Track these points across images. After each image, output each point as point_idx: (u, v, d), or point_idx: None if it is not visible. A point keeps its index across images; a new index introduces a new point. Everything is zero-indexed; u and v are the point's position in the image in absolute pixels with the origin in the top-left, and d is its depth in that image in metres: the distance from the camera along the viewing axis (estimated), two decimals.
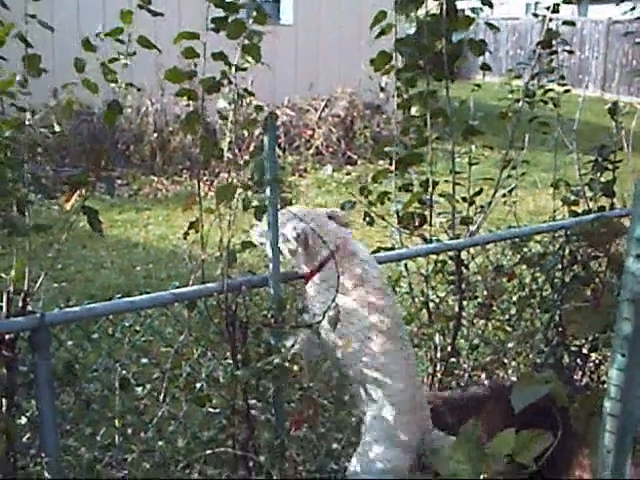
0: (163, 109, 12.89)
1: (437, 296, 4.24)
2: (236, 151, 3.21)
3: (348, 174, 12.89)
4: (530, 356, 4.60)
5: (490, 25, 4.35)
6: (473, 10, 3.92)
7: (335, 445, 4.58)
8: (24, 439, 3.40)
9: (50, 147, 11.56)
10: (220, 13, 3.10)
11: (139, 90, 3.39)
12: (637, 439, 1.86)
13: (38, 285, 3.03)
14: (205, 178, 8.36)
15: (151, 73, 9.70)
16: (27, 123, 3.00)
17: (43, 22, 3.01)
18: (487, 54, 4.04)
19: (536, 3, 24.10)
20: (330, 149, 13.98)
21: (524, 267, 4.52)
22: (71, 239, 7.85)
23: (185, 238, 3.21)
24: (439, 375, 4.26)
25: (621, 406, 1.77)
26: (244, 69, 3.17)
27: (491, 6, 3.93)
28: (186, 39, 3.09)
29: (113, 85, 3.15)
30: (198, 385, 3.62)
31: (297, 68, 15.24)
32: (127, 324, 6.22)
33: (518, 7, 32.45)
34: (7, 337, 2.88)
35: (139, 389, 4.86)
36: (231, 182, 3.11)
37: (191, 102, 3.21)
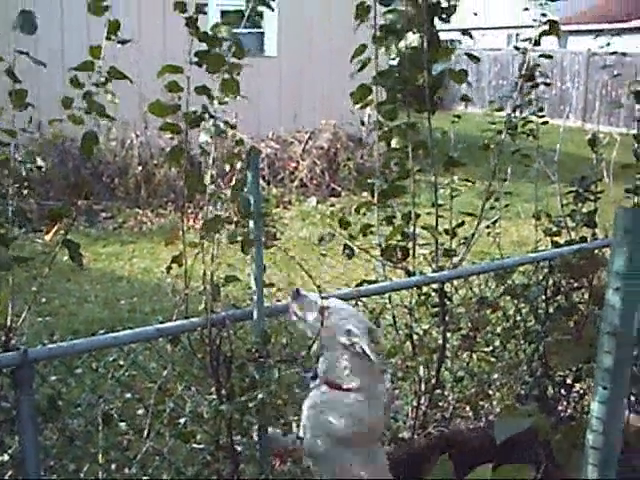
0: (148, 142, 12.90)
1: (421, 328, 4.24)
2: (220, 184, 3.23)
3: (332, 206, 12.91)
4: (514, 387, 4.60)
5: (470, 56, 4.38)
6: (452, 42, 3.95)
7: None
8: (6, 476, 3.36)
9: (34, 180, 11.53)
10: (204, 47, 3.14)
11: (102, 124, 3.40)
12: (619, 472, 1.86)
13: (22, 320, 3.02)
14: (189, 211, 8.37)
15: (135, 106, 9.72)
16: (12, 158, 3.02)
17: (34, 58, 3.04)
18: (468, 85, 4.07)
19: (517, 35, 24.30)
20: (314, 181, 14.01)
21: (508, 298, 4.53)
22: (55, 273, 7.88)
23: (168, 272, 3.21)
24: (423, 408, 4.25)
25: (603, 439, 1.78)
26: (225, 103, 3.19)
27: (471, 37, 3.96)
28: (170, 73, 3.12)
29: (96, 118, 3.16)
30: (182, 420, 3.61)
31: (281, 100, 15.29)
32: (111, 359, 6.22)
33: (501, 39, 32.79)
34: None
35: (123, 425, 4.83)
36: (218, 216, 3.12)
37: (175, 135, 3.23)
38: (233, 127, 3.24)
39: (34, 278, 3.18)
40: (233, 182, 3.19)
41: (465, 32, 3.98)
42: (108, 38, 3.13)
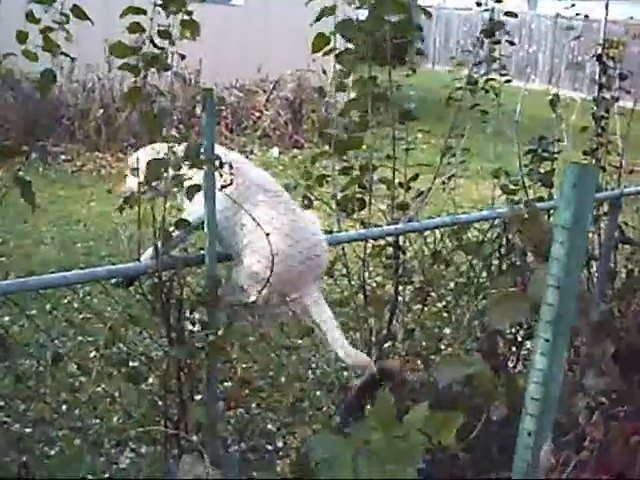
0: (110, 85, 12.74)
1: (374, 280, 4.26)
2: (177, 128, 3.20)
3: (295, 157, 12.88)
4: (466, 343, 4.65)
5: (424, 11, 4.34)
6: None
7: (270, 426, 4.62)
8: None
9: None
10: None
11: (71, 62, 3.36)
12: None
13: None
14: None
15: (99, 49, 9.58)
16: None
17: None
18: (421, 41, 4.04)
19: None
20: (277, 132, 13.95)
21: (462, 254, 4.57)
22: (12, 214, 7.82)
23: (121, 212, 3.18)
24: (374, 359, 4.28)
25: (543, 390, 1.80)
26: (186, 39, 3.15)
27: None
28: (133, 14, 3.08)
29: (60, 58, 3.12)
30: (133, 364, 3.62)
31: (246, 49, 15.13)
32: (65, 301, 6.22)
33: None
34: None
35: (74, 366, 4.84)
36: (162, 159, 3.08)
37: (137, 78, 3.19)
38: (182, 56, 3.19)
39: None
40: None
41: None
42: None
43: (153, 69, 3.13)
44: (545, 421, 1.84)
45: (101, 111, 12.49)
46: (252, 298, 3.40)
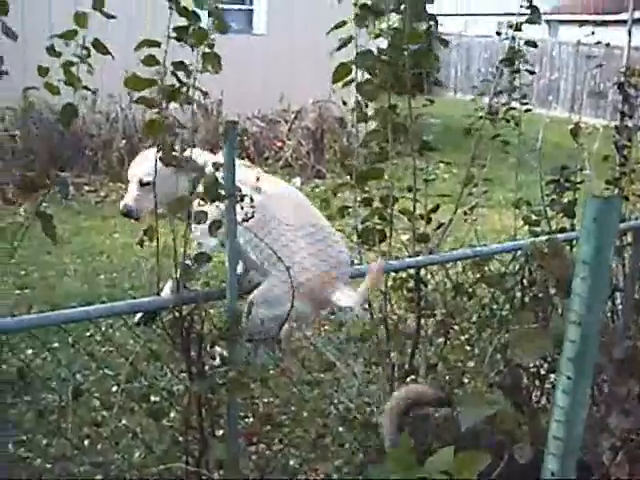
0: (133, 116, 12.83)
1: (395, 313, 4.23)
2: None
3: (316, 187, 12.89)
4: (489, 376, 4.59)
5: (441, 40, 4.35)
6: (430, 27, 3.93)
7: (291, 462, 4.58)
8: None
9: (18, 151, 11.46)
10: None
11: (93, 94, 3.40)
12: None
13: None
14: None
15: (121, 79, 9.65)
16: None
17: (7, 27, 3.00)
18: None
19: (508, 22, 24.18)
20: (299, 161, 13.97)
21: (484, 286, 4.53)
22: (36, 245, 7.85)
23: (141, 246, 3.18)
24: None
25: (565, 429, 1.78)
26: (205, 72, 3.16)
27: (436, 23, 3.93)
28: (147, 47, 3.09)
29: (82, 91, 3.14)
30: (154, 398, 3.60)
31: (268, 79, 15.20)
32: (87, 334, 6.22)
33: (492, 26, 32.78)
34: None
35: (96, 400, 4.83)
36: (185, 196, 3.09)
37: (157, 110, 3.20)
38: (205, 93, 3.20)
39: (14, 249, 3.15)
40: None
41: (431, 17, 3.93)
42: (94, 8, 3.10)
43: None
44: (568, 461, 1.81)
45: (124, 142, 12.58)
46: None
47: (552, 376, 4.63)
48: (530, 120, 4.83)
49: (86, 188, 11.93)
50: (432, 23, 3.98)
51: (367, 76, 3.90)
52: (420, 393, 3.24)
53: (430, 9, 3.87)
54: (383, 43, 3.94)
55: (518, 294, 4.54)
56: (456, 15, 30.73)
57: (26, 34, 3.24)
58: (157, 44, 3.06)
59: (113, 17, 3.10)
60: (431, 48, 3.99)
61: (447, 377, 4.48)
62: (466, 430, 1.97)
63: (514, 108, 4.66)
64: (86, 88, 3.15)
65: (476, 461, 1.76)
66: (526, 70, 4.62)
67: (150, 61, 3.04)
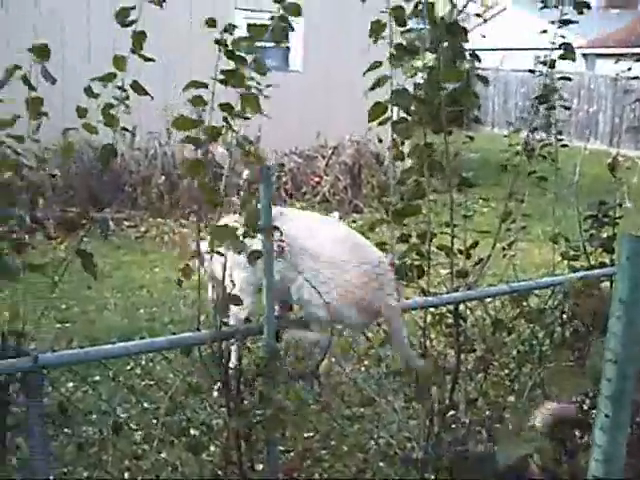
0: (172, 153, 12.99)
1: (434, 348, 4.22)
2: (234, 198, 3.26)
3: (354, 222, 12.93)
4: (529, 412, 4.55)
5: (480, 77, 4.37)
6: (471, 64, 3.96)
7: None
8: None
9: (58, 188, 11.63)
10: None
11: (132, 135, 3.50)
12: None
13: (35, 326, 3.06)
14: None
15: (161, 117, 9.81)
16: (26, 164, 3.08)
17: (46, 71, 3.10)
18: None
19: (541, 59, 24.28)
20: (337, 197, 14.04)
21: (523, 321, 4.51)
22: (76, 280, 7.94)
23: (180, 285, 3.23)
24: (436, 429, 4.23)
25: (604, 467, 1.77)
26: (247, 118, 3.23)
27: (478, 59, 3.95)
28: (194, 88, 3.17)
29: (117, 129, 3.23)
30: (194, 432, 3.63)
31: (305, 115, 15.30)
32: (128, 368, 6.28)
33: (529, 60, 32.83)
34: (0, 378, 2.90)
35: (137, 434, 4.87)
36: (226, 225, 3.14)
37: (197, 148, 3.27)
38: (250, 142, 3.27)
39: (55, 284, 3.22)
40: (242, 194, 3.22)
41: (472, 54, 3.96)
42: (133, 51, 3.19)
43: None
44: None
45: (163, 178, 12.73)
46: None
47: (594, 411, 4.58)
48: (567, 154, 4.83)
49: (126, 223, 12.08)
50: (471, 59, 4.00)
51: (402, 114, 3.94)
52: (564, 410, 3.19)
53: (467, 45, 3.90)
54: (419, 79, 3.98)
55: (558, 329, 4.52)
56: (493, 50, 30.79)
57: (65, 75, 3.32)
58: (204, 85, 3.14)
59: (152, 60, 3.18)
60: (470, 85, 4.02)
61: (487, 412, 4.46)
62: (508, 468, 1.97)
63: (550, 144, 4.66)
64: (125, 129, 3.24)
65: None
66: (562, 106, 4.62)
67: (197, 102, 3.12)
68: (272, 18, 3.29)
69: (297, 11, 3.30)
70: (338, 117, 15.05)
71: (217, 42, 3.15)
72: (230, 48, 3.17)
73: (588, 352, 1.93)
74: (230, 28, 3.16)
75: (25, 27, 11.98)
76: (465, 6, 4.44)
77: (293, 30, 3.35)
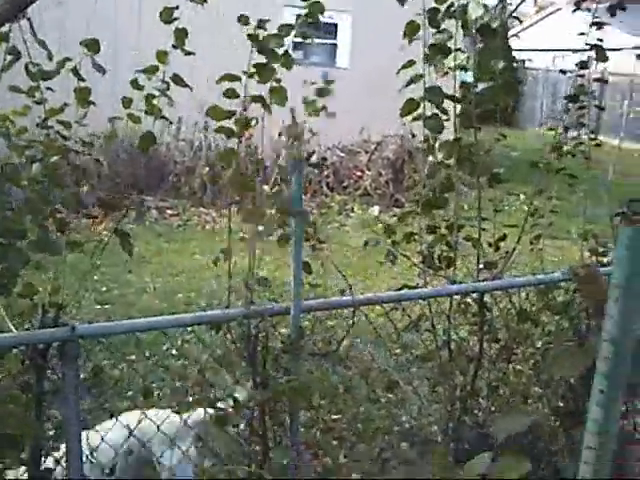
0: (216, 144, 13.16)
1: (458, 336, 4.32)
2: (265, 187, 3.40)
3: (394, 216, 12.98)
4: (552, 401, 4.61)
5: (514, 78, 4.46)
6: (511, 63, 4.06)
7: (354, 475, 4.69)
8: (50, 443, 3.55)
9: (104, 175, 11.87)
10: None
11: (174, 125, 3.66)
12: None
13: (75, 306, 3.22)
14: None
15: (204, 109, 9.96)
16: (71, 150, 3.26)
17: (97, 64, 3.29)
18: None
19: (563, 57, 24.14)
20: (378, 191, 14.12)
21: (549, 313, 4.58)
22: (118, 263, 8.14)
23: (215, 265, 3.38)
24: (457, 414, 4.32)
25: (598, 440, 1.87)
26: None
27: (516, 61, 4.06)
28: (228, 81, 3.32)
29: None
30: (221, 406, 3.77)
31: (350, 111, 15.37)
32: (164, 347, 6.46)
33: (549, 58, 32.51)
34: (40, 347, 3.06)
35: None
36: (258, 207, 3.29)
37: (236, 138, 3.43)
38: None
39: (96, 267, 3.37)
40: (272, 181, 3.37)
41: (508, 55, 4.06)
42: (175, 47, 3.36)
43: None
44: (601, 471, 1.90)
45: (206, 169, 12.90)
46: None
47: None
48: (604, 151, 4.85)
49: (169, 212, 12.30)
50: (508, 60, 4.10)
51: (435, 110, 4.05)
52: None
53: (514, 45, 4.02)
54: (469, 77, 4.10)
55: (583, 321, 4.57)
56: (543, 50, 30.58)
57: (117, 68, 3.52)
58: (238, 78, 3.28)
59: (192, 53, 3.35)
60: (509, 83, 4.11)
61: (510, 400, 4.54)
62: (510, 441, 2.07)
63: (582, 143, 4.72)
64: (164, 118, 3.41)
65: (517, 467, 1.86)
66: (595, 106, 4.67)
67: (231, 94, 3.27)
68: (298, 17, 3.43)
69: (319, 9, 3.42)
70: (382, 113, 15.09)
71: (249, 37, 3.31)
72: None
73: (586, 334, 2.02)
74: (262, 24, 3.31)
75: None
76: (517, 7, 4.53)
77: (320, 28, 3.49)
